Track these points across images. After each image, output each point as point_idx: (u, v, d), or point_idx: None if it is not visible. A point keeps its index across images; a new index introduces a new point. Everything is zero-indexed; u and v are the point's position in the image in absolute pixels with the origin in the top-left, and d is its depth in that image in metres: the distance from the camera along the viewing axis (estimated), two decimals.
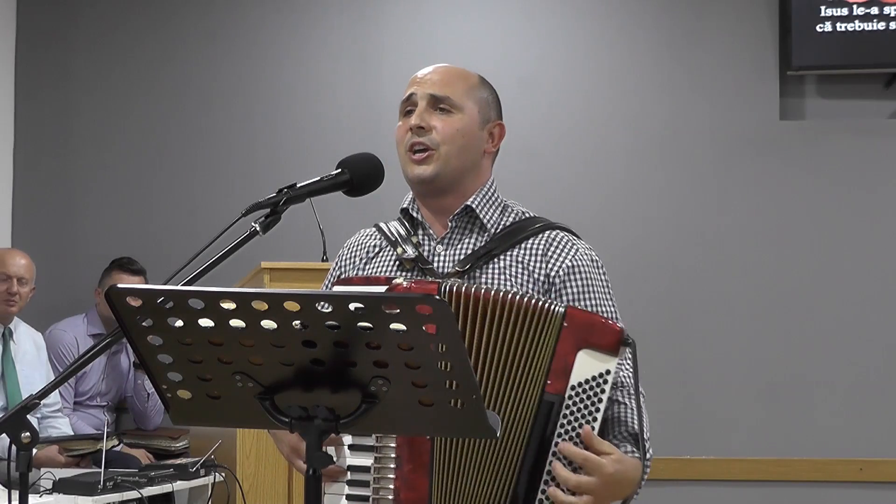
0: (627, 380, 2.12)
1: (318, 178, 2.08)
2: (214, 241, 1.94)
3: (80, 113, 5.54)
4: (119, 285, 1.58)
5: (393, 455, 1.99)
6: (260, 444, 3.79)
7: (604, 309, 2.17)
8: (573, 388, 1.96)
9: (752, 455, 4.99)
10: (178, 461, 4.32)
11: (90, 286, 5.16)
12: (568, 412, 1.96)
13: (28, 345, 4.79)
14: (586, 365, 1.97)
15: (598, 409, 1.96)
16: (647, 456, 2.06)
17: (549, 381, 1.97)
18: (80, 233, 5.49)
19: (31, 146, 5.55)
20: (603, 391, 1.96)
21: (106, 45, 5.55)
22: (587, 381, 1.97)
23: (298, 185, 2.04)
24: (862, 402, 4.98)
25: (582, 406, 1.96)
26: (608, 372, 1.96)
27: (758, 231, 5.11)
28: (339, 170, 2.11)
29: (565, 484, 1.94)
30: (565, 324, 1.98)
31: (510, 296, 2.01)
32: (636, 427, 2.04)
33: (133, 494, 3.83)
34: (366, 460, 2.02)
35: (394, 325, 1.50)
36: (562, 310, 2.00)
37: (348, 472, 2.02)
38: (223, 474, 4.04)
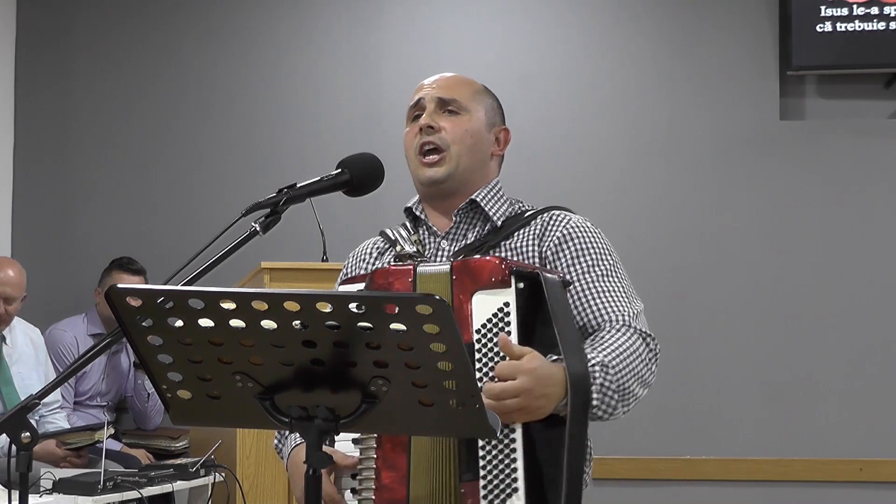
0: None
1: (318, 178, 2.08)
2: (214, 241, 1.95)
3: (80, 113, 5.54)
4: (119, 285, 1.58)
5: (374, 435, 2.00)
6: (260, 444, 3.79)
7: (604, 265, 2.17)
8: (478, 331, 1.98)
9: (753, 455, 4.98)
10: (178, 461, 4.31)
11: (90, 286, 5.15)
12: (480, 355, 1.96)
13: (25, 345, 4.73)
14: (483, 305, 1.98)
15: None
16: (597, 375, 1.98)
17: None
18: (79, 233, 5.48)
19: (31, 146, 5.55)
20: (508, 323, 1.97)
21: (105, 45, 5.55)
22: (489, 321, 1.98)
23: (298, 185, 2.04)
24: (862, 402, 4.98)
25: (492, 345, 1.96)
26: (507, 304, 1.97)
27: (758, 231, 5.11)
28: (339, 170, 2.12)
29: (488, 394, 1.89)
30: (454, 277, 2.02)
31: (420, 267, 2.07)
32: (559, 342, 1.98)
33: (133, 494, 3.83)
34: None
35: (394, 325, 1.50)
36: (447, 266, 2.04)
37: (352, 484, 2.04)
38: (223, 474, 4.04)
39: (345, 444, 2.05)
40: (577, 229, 2.20)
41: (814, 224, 5.09)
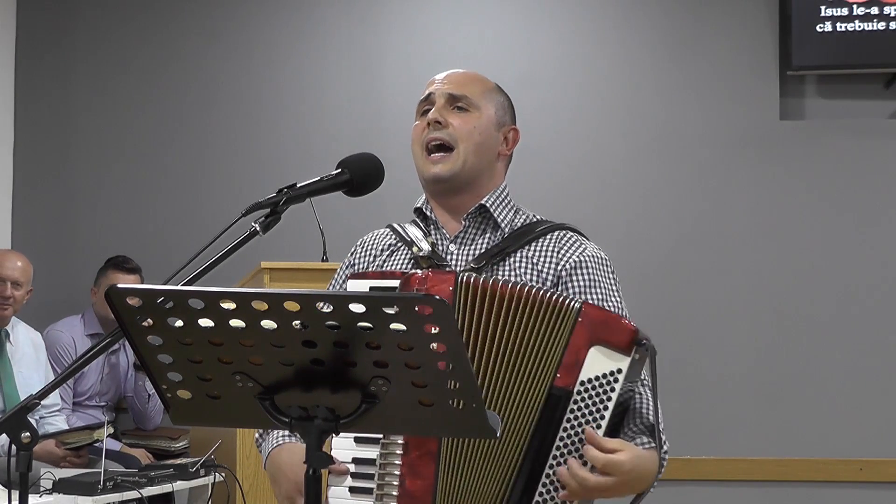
0: (645, 377, 2.12)
1: (318, 178, 2.08)
2: (214, 241, 1.94)
3: (80, 113, 5.54)
4: (119, 285, 1.57)
5: (400, 441, 1.99)
6: None
7: (609, 304, 2.17)
8: (582, 383, 1.95)
9: (753, 455, 4.98)
10: (178, 461, 4.31)
11: (89, 286, 5.15)
12: (575, 407, 1.95)
13: (26, 346, 4.75)
14: (598, 361, 1.95)
15: (605, 408, 1.95)
16: (664, 448, 2.03)
17: (558, 375, 1.96)
18: (79, 233, 5.48)
19: (31, 146, 5.55)
20: (612, 389, 1.94)
21: (105, 45, 5.55)
22: (597, 378, 1.95)
23: (298, 185, 2.04)
24: (862, 402, 4.98)
25: (590, 402, 1.95)
26: (619, 371, 1.95)
27: (757, 231, 5.11)
28: (339, 170, 2.11)
29: (573, 474, 1.92)
30: (580, 319, 1.98)
31: (527, 289, 2.01)
32: (652, 418, 2.03)
33: (133, 494, 3.83)
34: (371, 453, 2.02)
35: (394, 325, 1.50)
36: (577, 305, 2.00)
37: (352, 466, 2.02)
38: (223, 474, 4.05)
39: (343, 441, 2.04)
40: (591, 259, 2.20)
41: (814, 224, 5.09)
